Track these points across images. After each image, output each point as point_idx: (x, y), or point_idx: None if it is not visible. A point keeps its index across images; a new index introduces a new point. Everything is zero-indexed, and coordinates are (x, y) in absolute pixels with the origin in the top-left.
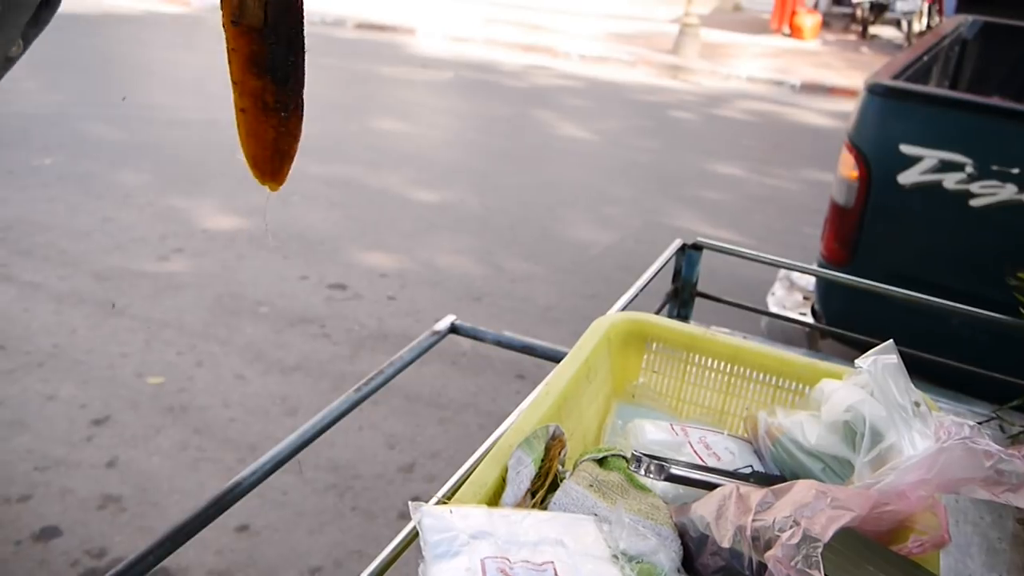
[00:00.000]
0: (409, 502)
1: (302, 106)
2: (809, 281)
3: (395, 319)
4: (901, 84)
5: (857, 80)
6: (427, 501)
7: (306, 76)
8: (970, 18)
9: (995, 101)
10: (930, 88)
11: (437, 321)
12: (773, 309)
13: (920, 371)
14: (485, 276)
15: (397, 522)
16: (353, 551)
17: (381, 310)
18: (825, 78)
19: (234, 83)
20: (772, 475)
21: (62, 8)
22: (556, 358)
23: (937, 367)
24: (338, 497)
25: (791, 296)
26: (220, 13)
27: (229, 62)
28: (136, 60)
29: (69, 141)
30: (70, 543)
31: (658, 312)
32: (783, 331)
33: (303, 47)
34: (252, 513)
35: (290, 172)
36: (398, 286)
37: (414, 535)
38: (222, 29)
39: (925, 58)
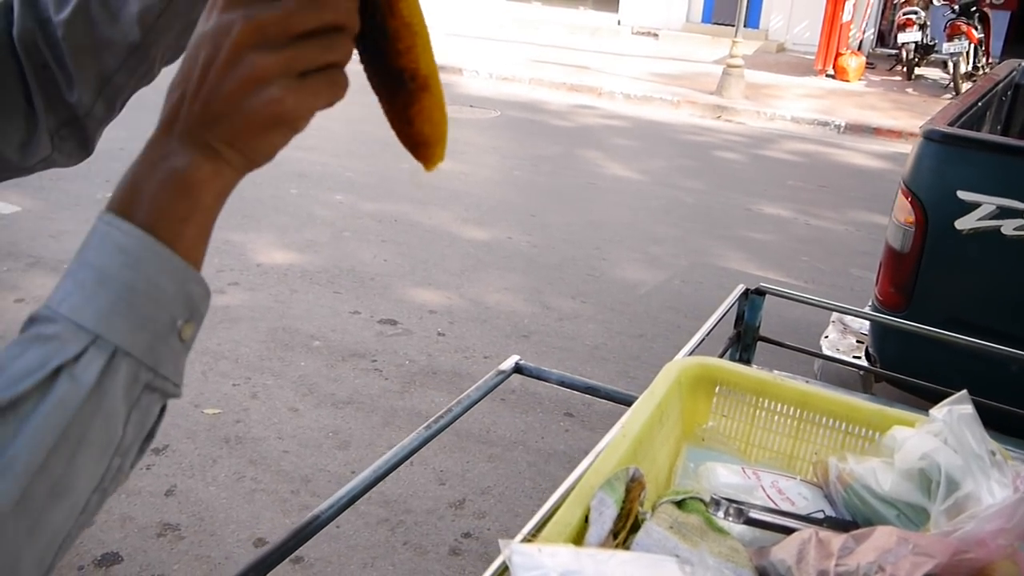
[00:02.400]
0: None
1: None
2: (863, 325)
3: (444, 355)
4: (958, 131)
5: (903, 121)
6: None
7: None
8: (1022, 63)
9: None
10: (987, 135)
11: (486, 358)
12: (827, 352)
13: (980, 417)
14: (533, 314)
15: (448, 558)
16: None
17: (431, 346)
18: (870, 119)
19: None
20: (846, 520)
21: None
22: (620, 400)
23: (998, 413)
24: (390, 532)
25: (845, 340)
26: None
27: None
28: None
29: None
30: (130, 570)
31: (721, 356)
32: (837, 374)
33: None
34: (307, 546)
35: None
36: (447, 323)
37: (503, 571)
38: None
39: (979, 103)
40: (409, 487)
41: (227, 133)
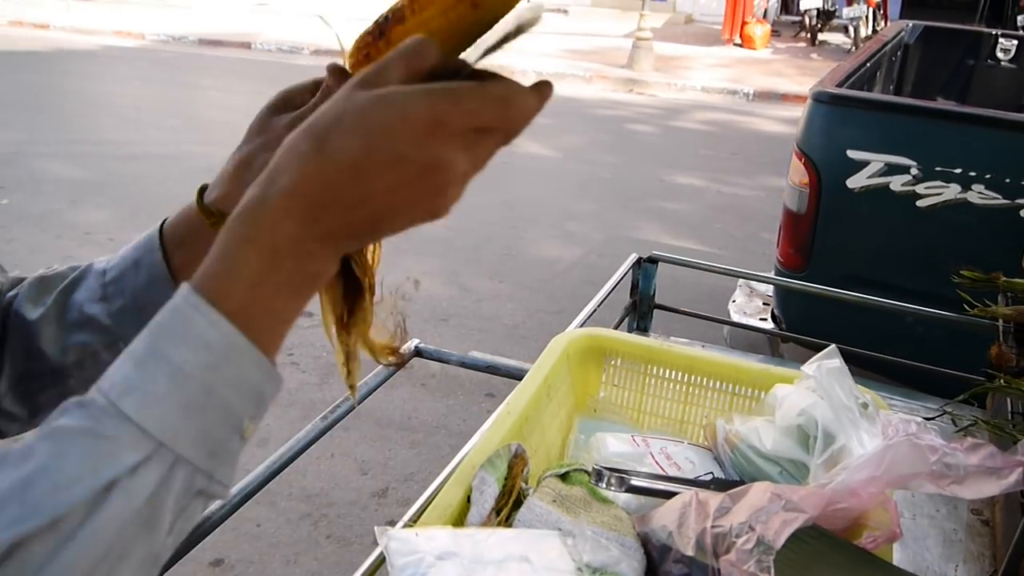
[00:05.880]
0: (375, 527)
1: None
2: (769, 287)
3: None
4: (845, 91)
5: (808, 86)
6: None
7: None
8: (911, 23)
9: (936, 104)
10: (873, 94)
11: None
12: (734, 316)
13: (877, 369)
14: (451, 297)
15: (373, 548)
16: None
17: None
18: (777, 85)
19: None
20: (732, 481)
21: (14, 45)
22: (520, 376)
23: (893, 365)
24: (312, 526)
25: (752, 302)
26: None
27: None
28: (92, 95)
29: (26, 180)
30: None
31: (617, 326)
32: (746, 337)
33: None
34: (227, 547)
35: None
36: None
37: (382, 560)
38: None
39: (868, 64)
40: (330, 480)
41: (372, 237)
